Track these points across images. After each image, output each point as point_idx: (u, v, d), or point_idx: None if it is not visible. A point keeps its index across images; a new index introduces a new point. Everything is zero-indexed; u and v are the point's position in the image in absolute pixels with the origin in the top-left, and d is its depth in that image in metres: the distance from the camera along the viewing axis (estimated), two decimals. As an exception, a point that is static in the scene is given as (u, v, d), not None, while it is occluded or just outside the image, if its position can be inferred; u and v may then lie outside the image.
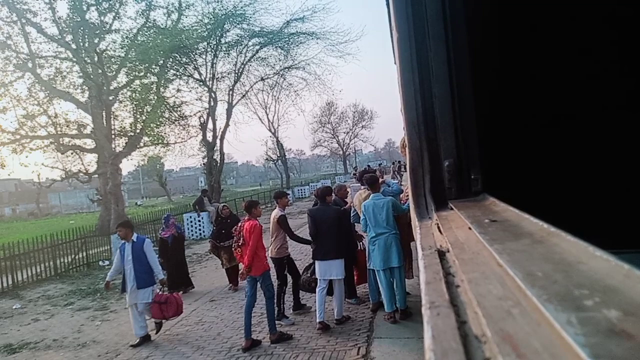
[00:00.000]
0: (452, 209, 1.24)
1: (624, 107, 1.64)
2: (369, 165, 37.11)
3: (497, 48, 1.65)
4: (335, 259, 6.27)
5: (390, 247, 5.88)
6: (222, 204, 10.02)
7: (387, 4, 1.90)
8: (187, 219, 18.01)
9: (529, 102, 1.69)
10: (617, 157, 1.63)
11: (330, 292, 6.42)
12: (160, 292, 6.63)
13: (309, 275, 6.78)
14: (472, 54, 1.34)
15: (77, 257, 13.24)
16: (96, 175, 23.32)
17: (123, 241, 6.78)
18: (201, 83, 24.30)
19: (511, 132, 1.66)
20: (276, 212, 6.78)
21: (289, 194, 8.21)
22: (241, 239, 6.17)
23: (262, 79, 28.44)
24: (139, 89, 22.63)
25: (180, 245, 9.39)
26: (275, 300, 6.29)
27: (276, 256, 6.73)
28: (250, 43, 25.43)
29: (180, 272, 9.14)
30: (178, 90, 24.81)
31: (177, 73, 24.15)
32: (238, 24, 24.23)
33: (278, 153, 40.74)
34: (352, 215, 6.90)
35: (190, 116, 25.08)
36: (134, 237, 6.79)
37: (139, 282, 6.52)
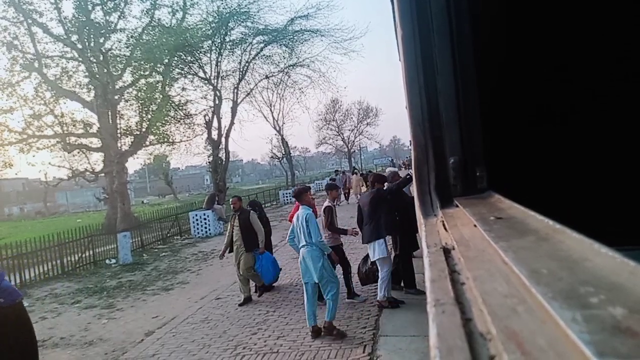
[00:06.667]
0: (457, 206, 1.24)
1: (633, 104, 1.63)
2: (336, 171, 35.08)
3: (502, 44, 1.64)
4: None
5: (309, 261, 5.83)
6: None
7: (392, 1, 1.90)
8: (193, 217, 18.11)
9: (535, 98, 1.69)
10: (622, 153, 1.62)
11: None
12: None
13: (370, 265, 6.83)
14: (477, 51, 1.34)
15: (83, 255, 13.33)
16: (102, 174, 23.53)
17: None
18: (206, 81, 24.37)
19: (516, 129, 1.66)
20: (325, 204, 7.25)
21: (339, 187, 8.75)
22: None
23: (267, 77, 28.50)
24: (144, 88, 22.77)
25: (15, 327, 4.04)
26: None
27: (330, 245, 7.01)
28: (254, 41, 25.49)
29: None
30: (183, 89, 24.97)
31: (182, 72, 24.23)
32: (242, 22, 24.27)
33: (283, 151, 40.70)
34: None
35: (196, 114, 25.23)
36: None
37: None
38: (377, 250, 6.51)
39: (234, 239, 7.86)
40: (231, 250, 8.01)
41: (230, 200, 8.33)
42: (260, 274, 7.70)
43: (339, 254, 7.08)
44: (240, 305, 7.62)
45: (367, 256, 6.88)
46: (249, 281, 7.93)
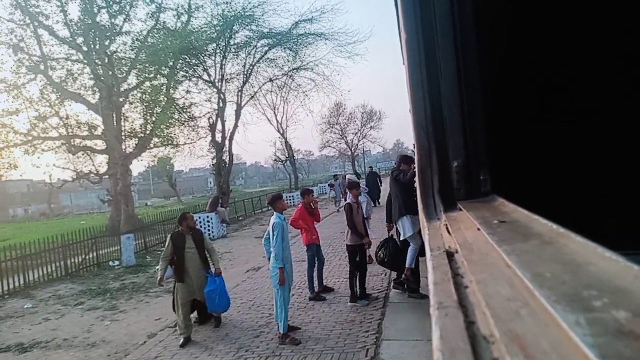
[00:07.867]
0: (460, 209, 1.23)
1: (637, 105, 1.62)
2: (334, 175, 36.32)
3: (506, 47, 1.64)
4: None
5: (270, 266, 6.20)
6: None
7: (396, 4, 1.90)
8: (197, 219, 18.12)
9: (539, 101, 1.68)
10: (627, 158, 1.61)
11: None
12: None
13: (383, 252, 7.15)
14: (481, 54, 1.34)
15: (87, 257, 13.37)
16: (107, 176, 23.58)
17: None
18: (210, 84, 24.39)
19: (520, 132, 1.65)
20: (345, 201, 7.62)
21: (362, 186, 8.96)
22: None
23: (271, 80, 28.49)
24: (149, 91, 22.84)
25: None
26: (315, 271, 7.91)
27: (349, 243, 7.27)
28: (258, 44, 25.48)
29: None
30: (187, 92, 25.01)
31: (187, 74, 24.27)
32: (247, 25, 24.27)
33: (286, 154, 40.75)
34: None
35: (200, 117, 25.24)
36: None
37: None
38: (403, 228, 6.66)
39: (186, 262, 6.78)
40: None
41: (186, 216, 7.33)
42: (217, 297, 6.72)
43: (355, 254, 7.18)
44: (182, 346, 6.30)
45: (385, 240, 7.19)
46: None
